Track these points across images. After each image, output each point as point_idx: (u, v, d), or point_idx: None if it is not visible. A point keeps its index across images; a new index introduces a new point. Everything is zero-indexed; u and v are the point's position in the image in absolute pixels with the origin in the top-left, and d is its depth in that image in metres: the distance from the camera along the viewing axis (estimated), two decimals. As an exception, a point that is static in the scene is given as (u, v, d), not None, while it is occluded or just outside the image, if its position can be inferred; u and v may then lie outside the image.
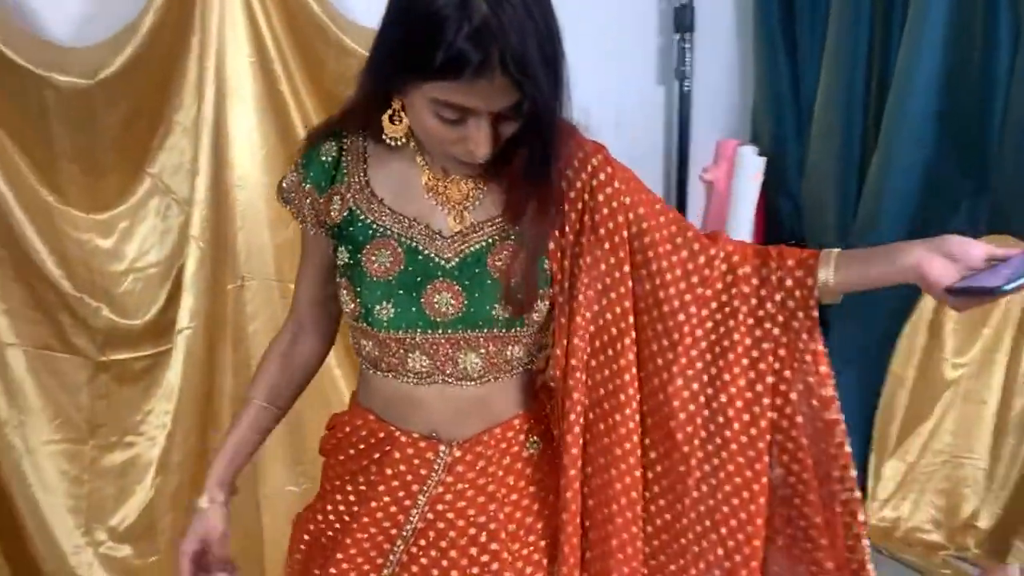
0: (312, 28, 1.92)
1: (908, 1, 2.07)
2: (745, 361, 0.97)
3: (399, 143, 0.97)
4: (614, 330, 1.00)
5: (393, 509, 1.02)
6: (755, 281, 0.98)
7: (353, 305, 0.98)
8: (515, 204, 0.98)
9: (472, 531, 1.01)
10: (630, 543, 0.99)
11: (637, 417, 1.00)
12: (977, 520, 2.46)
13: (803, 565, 0.99)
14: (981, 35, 2.05)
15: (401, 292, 0.97)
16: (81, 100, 1.77)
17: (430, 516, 1.01)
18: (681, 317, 0.98)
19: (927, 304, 2.30)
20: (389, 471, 1.02)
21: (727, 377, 0.97)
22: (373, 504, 1.03)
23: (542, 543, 1.04)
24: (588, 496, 1.01)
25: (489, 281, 0.97)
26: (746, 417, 0.97)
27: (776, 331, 0.97)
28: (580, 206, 1.02)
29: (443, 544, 1.01)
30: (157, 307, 1.97)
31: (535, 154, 0.97)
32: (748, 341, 0.97)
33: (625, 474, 0.99)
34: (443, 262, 0.97)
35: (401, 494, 1.02)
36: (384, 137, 0.96)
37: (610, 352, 1.00)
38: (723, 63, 2.77)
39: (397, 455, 1.01)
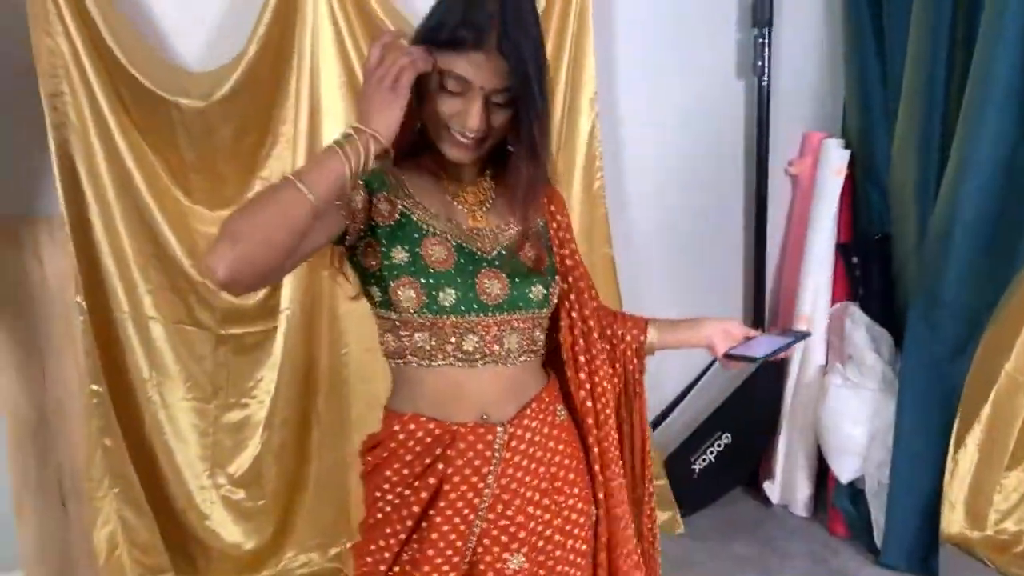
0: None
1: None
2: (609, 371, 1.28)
3: (415, 151, 1.16)
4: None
5: (470, 495, 1.12)
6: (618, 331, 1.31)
7: (416, 296, 1.08)
8: (520, 210, 1.15)
9: (531, 494, 1.16)
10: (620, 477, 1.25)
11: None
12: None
13: None
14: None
15: (459, 280, 1.10)
16: (201, 119, 2.14)
17: (498, 491, 1.13)
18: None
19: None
20: (460, 461, 1.11)
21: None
22: (451, 496, 1.11)
23: (581, 491, 1.21)
24: (595, 445, 1.23)
25: (525, 269, 1.15)
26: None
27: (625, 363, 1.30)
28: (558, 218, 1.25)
29: (511, 512, 1.14)
30: (265, 291, 2.31)
31: (528, 170, 1.12)
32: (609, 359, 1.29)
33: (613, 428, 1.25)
34: (484, 254, 1.14)
35: (475, 479, 1.12)
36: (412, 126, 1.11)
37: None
38: (810, 56, 2.74)
39: (462, 445, 1.11)
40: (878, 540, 2.44)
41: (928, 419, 2.34)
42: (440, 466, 1.12)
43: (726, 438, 2.73)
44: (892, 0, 2.42)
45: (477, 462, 1.12)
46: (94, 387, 2.15)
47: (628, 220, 2.63)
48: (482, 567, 1.13)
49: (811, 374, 2.67)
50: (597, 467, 1.22)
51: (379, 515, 1.16)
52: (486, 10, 1.01)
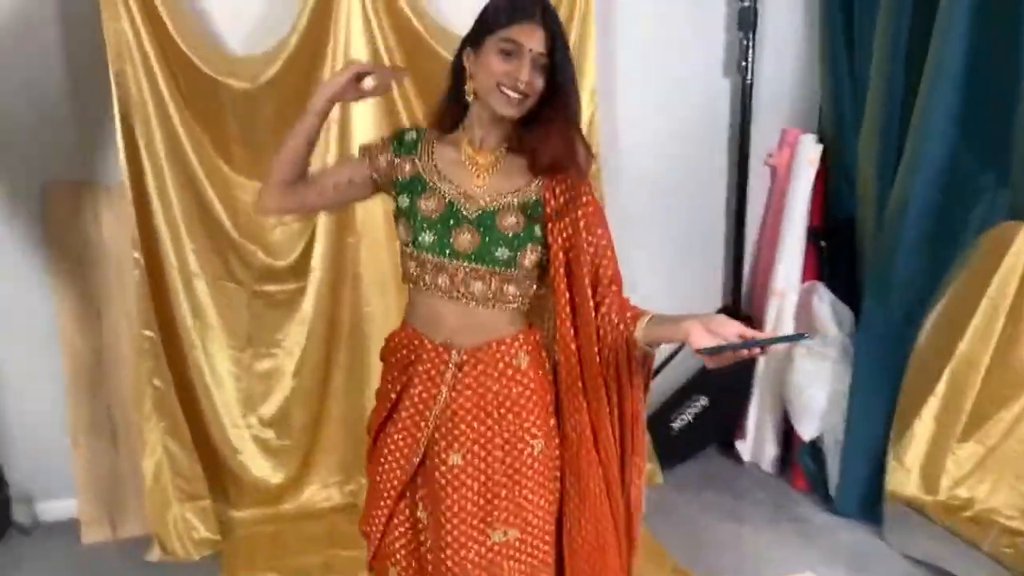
0: (417, 43, 2.45)
1: (938, 5, 2.27)
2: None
3: (461, 128, 1.43)
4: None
5: (425, 397, 1.42)
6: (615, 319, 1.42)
7: (406, 234, 1.40)
8: (525, 183, 1.40)
9: (476, 411, 1.43)
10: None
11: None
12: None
13: None
14: (1003, 34, 2.21)
15: (439, 226, 1.38)
16: (246, 98, 2.42)
17: (448, 402, 1.41)
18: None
19: (1009, 289, 2.36)
20: (420, 368, 1.42)
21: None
22: (412, 391, 1.43)
23: (533, 428, 1.44)
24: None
25: (496, 233, 1.40)
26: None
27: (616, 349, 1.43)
28: (563, 200, 1.41)
29: (456, 420, 1.43)
30: (297, 253, 2.60)
31: (536, 151, 1.38)
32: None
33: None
34: (467, 214, 1.41)
35: (431, 386, 1.42)
36: (465, 97, 1.38)
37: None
38: (790, 58, 3.01)
39: (424, 356, 1.42)
40: (833, 492, 2.75)
41: (878, 385, 2.64)
42: (410, 369, 1.44)
43: (703, 400, 3.03)
44: (863, 10, 2.69)
45: (433, 373, 1.43)
46: (146, 333, 2.44)
47: (621, 202, 2.91)
48: (430, 456, 1.45)
49: (782, 344, 2.97)
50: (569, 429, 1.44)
51: (379, 387, 1.51)
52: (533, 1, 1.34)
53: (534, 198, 1.41)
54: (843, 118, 2.86)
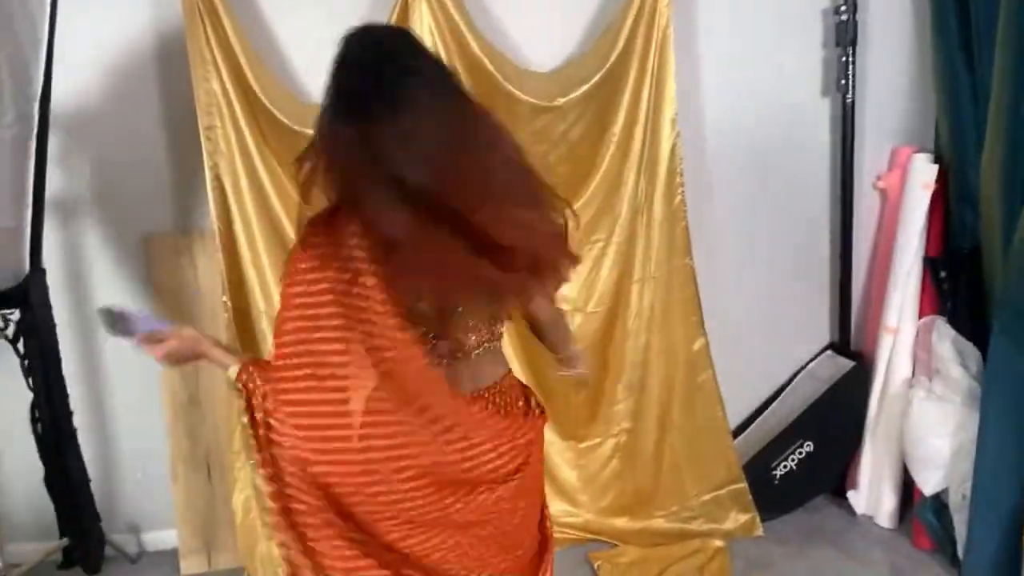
0: (487, 80, 2.43)
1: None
2: None
3: None
4: None
5: None
6: None
7: None
8: None
9: None
10: None
11: None
12: None
13: None
14: None
15: None
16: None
17: None
18: None
19: None
20: None
21: None
22: None
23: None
24: None
25: None
26: None
27: None
28: None
29: None
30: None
31: None
32: None
33: None
34: None
35: None
36: None
37: None
38: (899, 72, 2.76)
39: None
40: (961, 554, 2.44)
41: (1011, 432, 2.32)
42: None
43: (808, 446, 2.79)
44: (981, 15, 2.42)
45: None
46: (235, 374, 2.53)
47: (712, 236, 2.76)
48: None
49: (896, 386, 2.70)
50: None
51: None
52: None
53: None
54: (962, 134, 2.57)
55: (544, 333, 1.52)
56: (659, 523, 2.73)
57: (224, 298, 2.52)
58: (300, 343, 1.28)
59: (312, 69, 2.58)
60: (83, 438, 2.53)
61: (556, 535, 1.65)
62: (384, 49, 1.19)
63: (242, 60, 2.40)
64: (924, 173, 2.64)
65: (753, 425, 2.93)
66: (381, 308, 1.21)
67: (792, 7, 2.69)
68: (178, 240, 2.66)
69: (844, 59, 2.65)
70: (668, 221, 2.61)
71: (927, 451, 2.54)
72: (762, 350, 2.91)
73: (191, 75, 2.40)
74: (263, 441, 1.33)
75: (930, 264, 2.66)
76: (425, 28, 2.40)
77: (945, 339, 2.56)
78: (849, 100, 2.69)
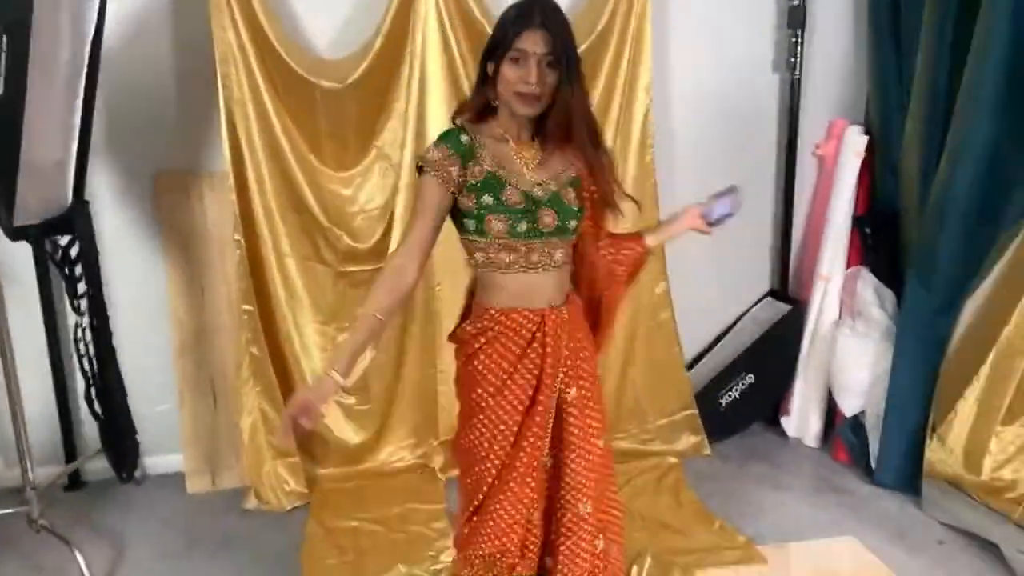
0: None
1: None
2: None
3: (496, 123, 1.63)
4: None
5: (558, 350, 1.62)
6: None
7: (501, 226, 1.54)
8: (565, 164, 1.64)
9: (585, 353, 1.68)
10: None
11: None
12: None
13: None
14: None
15: (527, 214, 1.56)
16: (335, 97, 2.69)
17: (569, 354, 1.65)
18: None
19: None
20: (549, 330, 1.61)
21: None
22: (551, 360, 1.61)
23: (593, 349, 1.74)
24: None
25: (566, 208, 1.62)
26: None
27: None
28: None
29: (576, 363, 1.65)
30: (376, 237, 2.86)
31: (568, 134, 1.60)
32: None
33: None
34: (541, 198, 1.61)
35: (559, 340, 1.62)
36: (491, 102, 1.60)
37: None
38: (839, 53, 3.15)
39: (548, 322, 1.61)
40: (874, 464, 2.91)
41: (919, 364, 2.78)
42: (541, 337, 1.62)
43: (750, 378, 3.21)
44: (909, 7, 2.82)
45: (558, 330, 1.63)
46: (245, 307, 2.74)
47: (674, 190, 3.10)
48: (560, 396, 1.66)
49: (826, 326, 3.14)
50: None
51: (496, 382, 1.61)
52: (532, 7, 1.53)
53: (574, 174, 1.65)
54: (889, 109, 2.99)
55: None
56: (621, 444, 3.10)
57: (236, 236, 2.71)
58: None
59: (317, 21, 2.77)
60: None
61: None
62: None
63: (258, 11, 2.57)
64: (856, 143, 3.05)
65: (703, 360, 3.33)
66: None
67: (751, -9, 3.04)
68: (187, 179, 2.82)
69: (794, 40, 3.02)
70: (640, 177, 2.94)
71: (849, 380, 2.99)
72: (712, 295, 3.30)
73: (210, 25, 2.56)
74: None
75: (858, 222, 3.08)
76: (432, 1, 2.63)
77: (868, 286, 3.01)
78: (796, 76, 3.07)
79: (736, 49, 3.09)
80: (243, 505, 2.80)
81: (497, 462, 1.62)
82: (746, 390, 3.22)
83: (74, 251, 2.14)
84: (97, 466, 2.89)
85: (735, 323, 3.36)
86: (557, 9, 1.56)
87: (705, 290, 3.26)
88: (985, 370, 2.96)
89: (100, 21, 2.07)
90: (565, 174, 1.64)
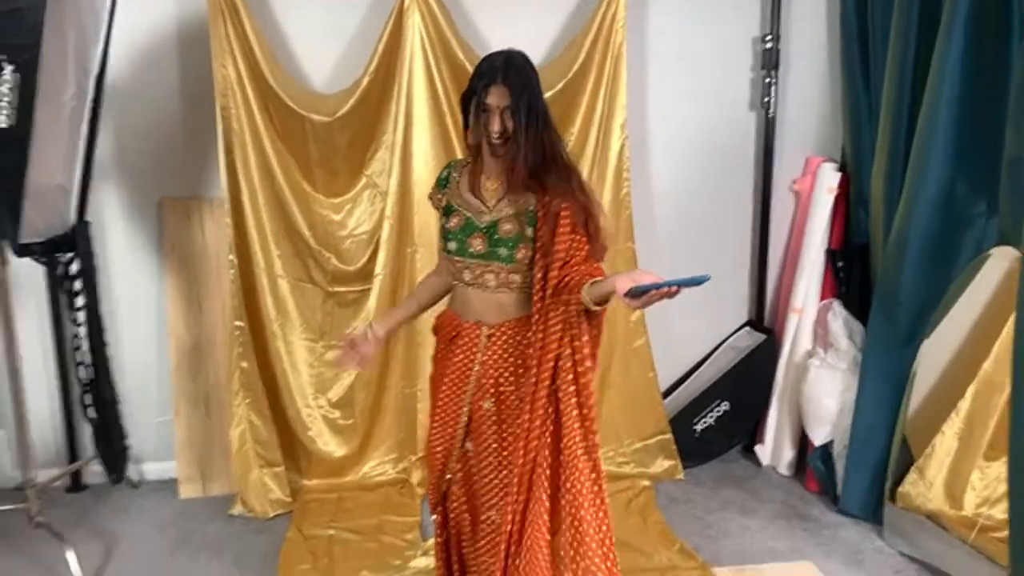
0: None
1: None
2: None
3: (470, 159, 1.85)
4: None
5: (468, 363, 1.85)
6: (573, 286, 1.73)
7: (442, 244, 1.85)
8: (526, 202, 1.78)
9: (502, 369, 1.82)
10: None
11: None
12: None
13: None
14: (991, 74, 2.42)
15: (460, 236, 1.80)
16: (325, 129, 2.87)
17: (485, 363, 1.82)
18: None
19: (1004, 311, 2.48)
20: (463, 343, 1.85)
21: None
22: (456, 360, 1.86)
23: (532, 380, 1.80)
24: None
25: (498, 236, 1.79)
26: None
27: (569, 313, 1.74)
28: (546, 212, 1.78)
29: (488, 376, 1.83)
30: (364, 259, 3.03)
31: (520, 175, 1.75)
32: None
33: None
34: (479, 224, 1.81)
35: (471, 354, 1.84)
36: (468, 143, 1.82)
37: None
38: (815, 93, 3.27)
39: (464, 335, 1.85)
40: (840, 493, 2.97)
41: (882, 395, 2.85)
42: (455, 343, 1.88)
43: (725, 405, 3.30)
44: (878, 50, 2.93)
45: (472, 346, 1.85)
46: (237, 323, 2.92)
47: (653, 225, 3.24)
48: (473, 403, 1.86)
49: (799, 356, 3.22)
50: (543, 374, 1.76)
51: (434, 354, 1.97)
52: (494, 63, 1.73)
53: (526, 209, 1.78)
54: (861, 149, 3.09)
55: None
56: (596, 466, 3.20)
57: (231, 256, 2.89)
58: None
59: (314, 60, 2.98)
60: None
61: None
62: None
63: (256, 50, 2.77)
64: (829, 179, 3.15)
65: (681, 387, 3.43)
66: None
67: (726, 35, 3.18)
68: (189, 205, 3.03)
69: (768, 80, 3.15)
70: (615, 210, 3.07)
71: (818, 409, 3.06)
72: (691, 325, 3.40)
73: (211, 62, 2.77)
74: None
75: (830, 255, 3.18)
76: (416, 33, 2.81)
77: (839, 317, 3.09)
78: (771, 115, 3.19)
79: (712, 88, 3.23)
80: (229, 511, 2.95)
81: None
82: (721, 417, 3.31)
83: (74, 267, 2.33)
84: (98, 469, 3.07)
85: (713, 352, 3.45)
86: (522, 61, 1.75)
87: (686, 319, 3.36)
88: (964, 404, 2.99)
89: (104, 59, 2.28)
90: (517, 208, 1.78)
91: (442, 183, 1.91)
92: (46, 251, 2.29)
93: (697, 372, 3.45)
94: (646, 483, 3.14)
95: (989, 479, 3.06)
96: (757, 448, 3.35)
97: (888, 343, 2.86)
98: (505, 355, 1.83)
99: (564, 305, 1.72)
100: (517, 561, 1.75)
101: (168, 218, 3.02)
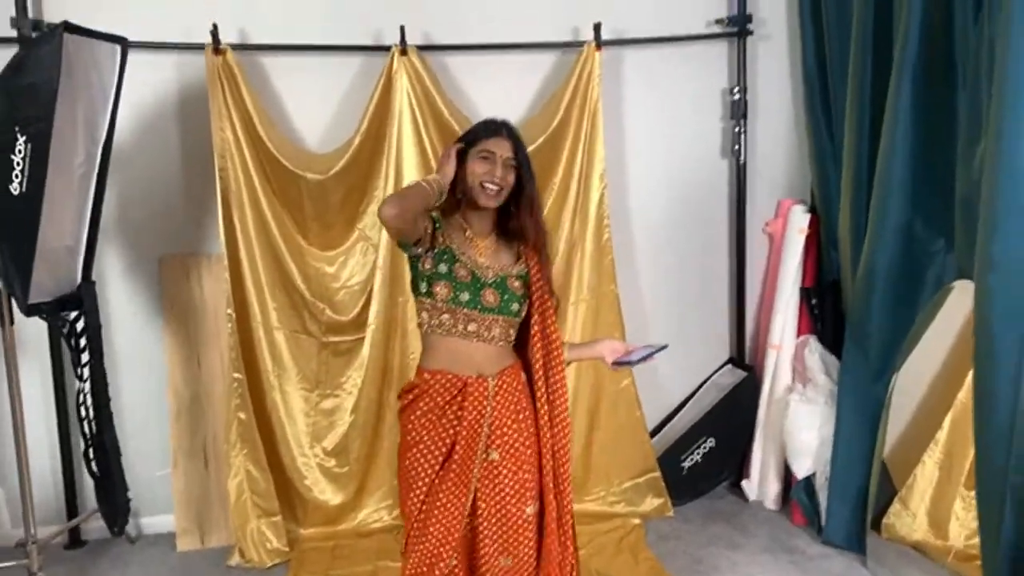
0: (453, 138, 3.00)
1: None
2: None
3: (457, 216, 1.93)
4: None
5: (477, 420, 1.85)
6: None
7: (445, 291, 1.82)
8: (532, 239, 1.92)
9: (506, 418, 1.89)
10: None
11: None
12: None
13: None
14: (942, 121, 2.60)
15: (472, 289, 1.85)
16: (320, 186, 3.01)
17: (492, 415, 1.87)
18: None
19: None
20: (471, 399, 1.84)
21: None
22: (467, 417, 1.83)
23: (531, 422, 1.92)
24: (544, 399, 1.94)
25: (510, 292, 1.90)
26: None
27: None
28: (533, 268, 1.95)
29: (495, 427, 1.88)
30: (357, 310, 3.13)
31: (520, 231, 1.92)
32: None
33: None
34: (487, 279, 1.90)
35: (481, 408, 1.85)
36: (455, 195, 1.90)
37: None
38: (785, 139, 3.46)
39: (471, 390, 1.84)
40: (824, 524, 3.05)
41: (859, 426, 2.96)
42: (458, 401, 1.86)
43: (711, 441, 3.39)
44: (839, 101, 3.12)
45: (482, 399, 1.87)
46: (235, 375, 3.00)
47: (634, 270, 3.37)
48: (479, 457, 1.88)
49: (779, 392, 3.33)
50: (545, 414, 1.92)
51: (415, 434, 1.87)
52: (496, 121, 1.91)
53: (524, 270, 1.94)
54: (828, 190, 3.25)
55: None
56: (589, 506, 3.27)
57: (229, 310, 3.00)
58: None
59: (307, 122, 3.14)
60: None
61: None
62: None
63: (253, 114, 2.93)
64: (800, 220, 3.31)
65: (667, 426, 3.52)
66: None
67: (697, 87, 3.38)
68: (188, 261, 3.14)
69: (737, 129, 3.33)
70: (597, 255, 3.21)
71: (799, 443, 3.16)
72: (675, 364, 3.51)
73: (209, 126, 2.92)
74: None
75: (804, 293, 3.32)
76: (404, 95, 2.98)
77: (815, 353, 3.22)
78: (742, 161, 3.37)
79: (686, 138, 3.41)
80: (227, 562, 2.99)
81: (415, 510, 1.85)
82: (707, 453, 3.40)
83: (80, 325, 2.42)
84: (96, 525, 3.12)
85: (697, 390, 3.56)
86: (515, 129, 1.92)
87: (670, 358, 3.44)
88: (942, 435, 3.10)
89: (111, 127, 2.42)
90: (516, 267, 1.93)
91: (437, 222, 1.89)
92: (53, 310, 2.38)
93: (682, 410, 3.55)
94: (636, 521, 3.21)
95: (972, 508, 3.15)
96: (744, 483, 3.44)
97: (861, 376, 2.98)
98: (507, 403, 1.89)
99: (558, 360, 1.92)
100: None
101: (168, 274, 3.13)
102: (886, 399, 2.93)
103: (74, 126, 2.32)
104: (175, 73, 3.02)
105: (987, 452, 2.37)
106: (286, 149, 3.03)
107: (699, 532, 3.18)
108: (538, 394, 1.92)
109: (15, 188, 2.18)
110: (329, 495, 3.17)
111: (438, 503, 1.84)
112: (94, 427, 2.49)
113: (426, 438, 1.86)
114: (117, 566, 3.00)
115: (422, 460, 1.86)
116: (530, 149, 3.04)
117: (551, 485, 1.93)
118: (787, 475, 3.34)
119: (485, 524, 1.88)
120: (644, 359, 1.92)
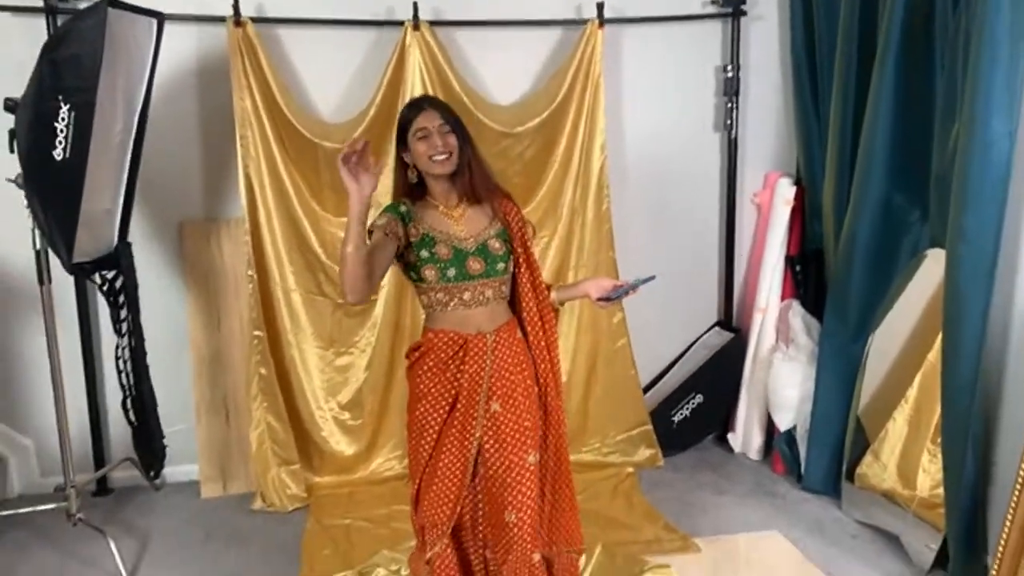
0: (465, 112, 3.16)
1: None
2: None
3: (421, 194, 2.05)
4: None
5: (478, 373, 1.97)
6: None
7: (432, 274, 1.92)
8: (484, 199, 2.04)
9: (505, 370, 2.03)
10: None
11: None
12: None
13: None
14: (921, 98, 2.79)
15: (456, 264, 1.95)
16: (336, 155, 3.11)
17: (492, 369, 1.99)
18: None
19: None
20: (472, 354, 1.97)
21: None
22: (468, 371, 1.96)
23: (529, 372, 2.07)
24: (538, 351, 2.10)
25: (492, 255, 2.02)
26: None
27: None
28: (513, 221, 2.09)
29: (496, 379, 2.02)
30: (370, 273, 3.31)
31: (472, 191, 2.03)
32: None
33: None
34: (468, 249, 1.97)
35: (481, 362, 1.97)
36: (411, 180, 2.01)
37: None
38: (773, 114, 3.66)
39: (472, 345, 1.97)
40: (803, 472, 3.32)
41: (837, 383, 3.21)
42: (461, 356, 1.98)
43: (699, 398, 3.64)
44: (825, 78, 3.32)
45: (483, 354, 2.00)
46: (256, 333, 3.18)
47: (630, 235, 3.57)
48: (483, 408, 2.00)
49: (764, 352, 3.57)
50: (542, 366, 2.08)
51: (423, 388, 2.00)
52: (416, 99, 2.06)
53: (500, 227, 2.07)
54: (813, 165, 3.46)
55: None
56: (586, 456, 3.51)
57: (249, 272, 3.16)
58: None
59: (324, 93, 3.28)
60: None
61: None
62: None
63: (272, 84, 3.06)
64: (786, 192, 3.53)
65: (659, 383, 3.76)
66: None
67: (691, 65, 3.55)
68: (208, 226, 3.29)
69: (729, 105, 3.52)
70: (597, 223, 3.41)
71: (781, 398, 3.42)
72: (666, 326, 3.75)
73: (229, 95, 3.05)
74: None
75: (789, 261, 3.54)
76: (417, 70, 3.13)
77: (797, 316, 3.45)
78: (733, 136, 3.56)
79: (680, 112, 3.59)
80: (251, 506, 3.20)
81: (424, 456, 2.01)
82: (696, 408, 3.65)
83: (118, 283, 2.58)
84: (123, 475, 3.31)
85: (687, 350, 3.80)
86: (440, 101, 2.07)
87: (662, 321, 3.71)
88: (912, 392, 3.34)
89: (147, 98, 2.55)
90: (493, 227, 2.05)
91: (406, 216, 1.96)
92: (94, 269, 2.53)
93: (673, 369, 3.79)
94: (630, 470, 3.46)
95: (938, 460, 3.41)
96: (729, 436, 3.70)
97: (840, 337, 3.22)
98: (507, 356, 2.03)
99: (548, 306, 2.10)
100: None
101: (188, 238, 3.28)
102: (862, 359, 3.18)
103: (114, 96, 2.45)
104: (196, 43, 3.14)
105: (952, 406, 2.62)
106: (303, 119, 3.17)
107: (688, 480, 3.44)
108: (535, 339, 2.06)
109: (59, 155, 2.32)
110: (344, 446, 3.38)
111: (444, 450, 1.99)
112: (132, 378, 2.66)
113: (433, 391, 1.99)
114: (146, 510, 3.20)
115: (430, 411, 1.99)
116: (536, 121, 3.26)
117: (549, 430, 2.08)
118: (770, 428, 3.60)
119: (491, 474, 1.99)
120: (628, 292, 2.01)
